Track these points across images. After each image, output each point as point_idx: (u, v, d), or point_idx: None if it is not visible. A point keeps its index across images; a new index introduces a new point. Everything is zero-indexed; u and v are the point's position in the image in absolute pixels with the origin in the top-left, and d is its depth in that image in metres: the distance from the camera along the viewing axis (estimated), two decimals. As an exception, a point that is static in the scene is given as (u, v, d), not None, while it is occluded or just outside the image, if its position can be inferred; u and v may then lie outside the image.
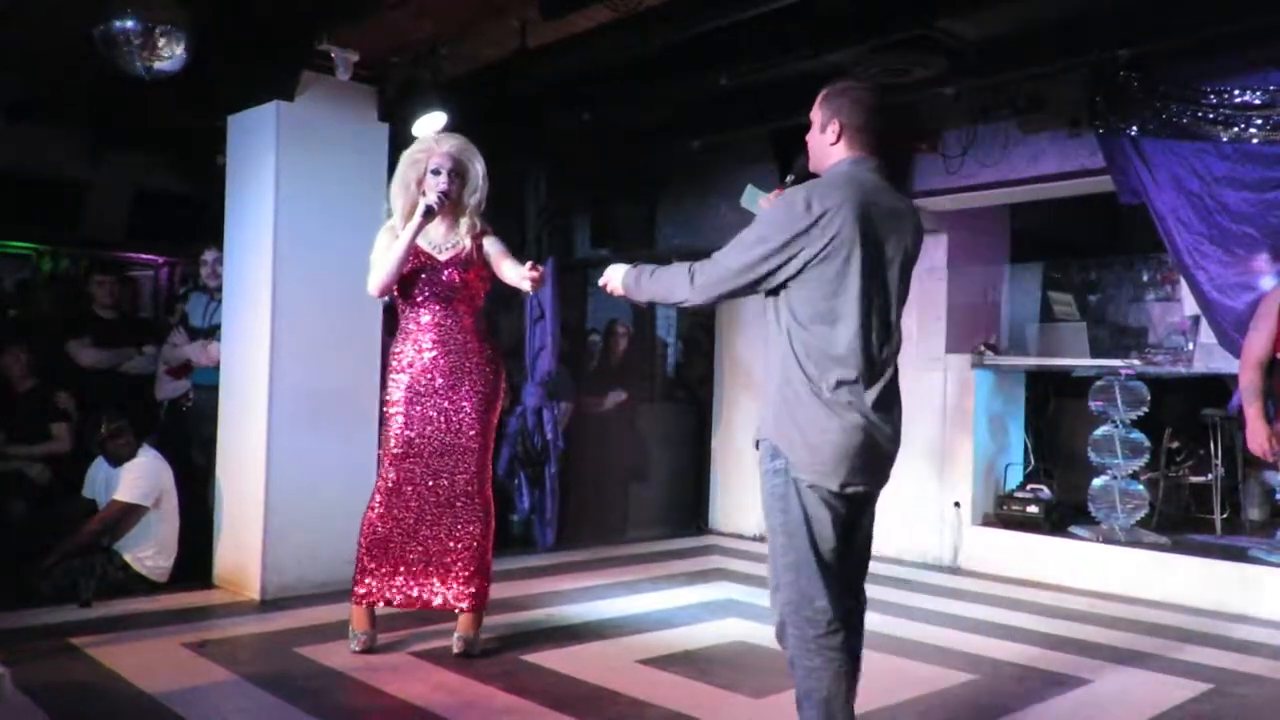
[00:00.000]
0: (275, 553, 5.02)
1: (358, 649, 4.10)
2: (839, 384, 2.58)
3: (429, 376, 4.05)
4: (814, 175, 2.81)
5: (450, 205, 4.04)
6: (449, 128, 5.07)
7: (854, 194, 2.61)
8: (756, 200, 3.01)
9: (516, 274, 3.96)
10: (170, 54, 4.40)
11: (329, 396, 5.18)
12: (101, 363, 6.03)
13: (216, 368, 5.44)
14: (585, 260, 8.61)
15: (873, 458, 2.65)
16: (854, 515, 2.71)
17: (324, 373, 5.16)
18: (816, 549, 2.63)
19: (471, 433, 4.05)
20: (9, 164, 6.63)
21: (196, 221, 6.44)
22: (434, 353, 4.05)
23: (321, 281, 5.16)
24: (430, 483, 4.05)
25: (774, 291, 2.66)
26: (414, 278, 4.06)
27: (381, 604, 4.14)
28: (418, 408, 4.05)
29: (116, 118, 6.52)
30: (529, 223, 6.54)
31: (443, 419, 4.04)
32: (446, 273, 4.04)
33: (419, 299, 4.08)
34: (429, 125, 5.15)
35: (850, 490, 2.63)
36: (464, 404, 4.04)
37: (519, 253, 6.57)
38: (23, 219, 7.07)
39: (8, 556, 4.82)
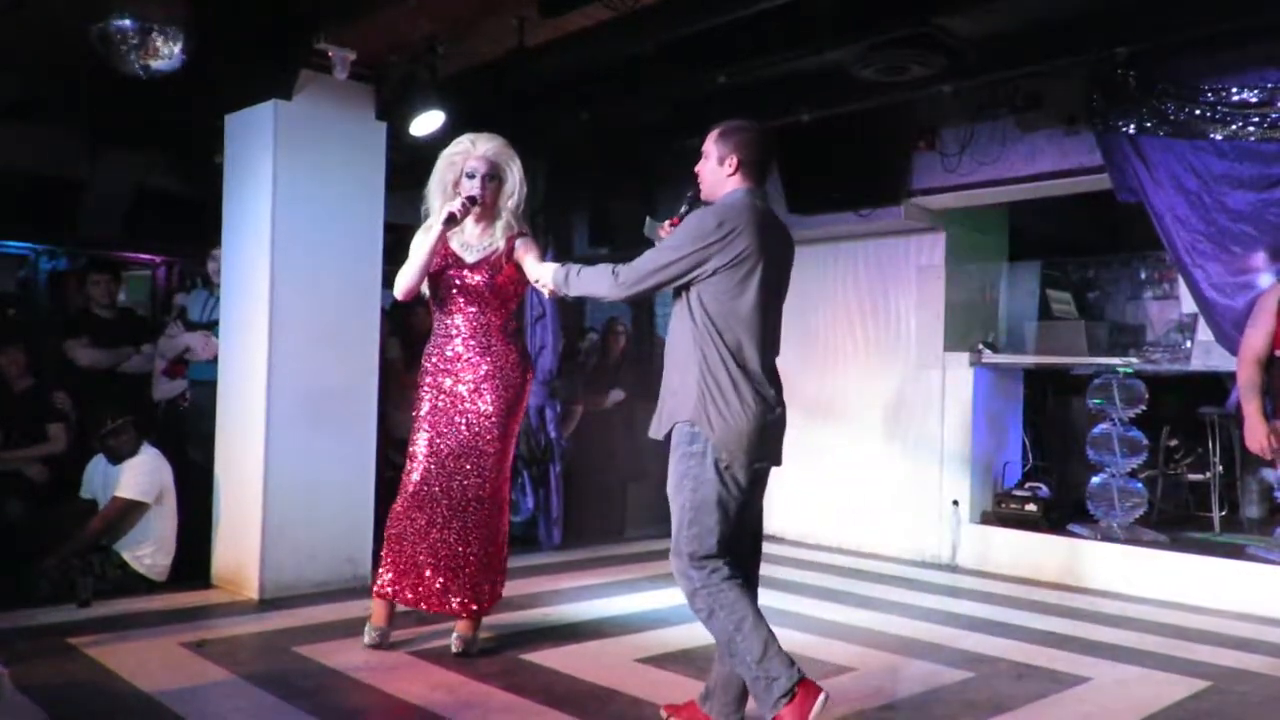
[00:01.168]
0: (274, 552, 5.02)
1: (367, 643, 4.13)
2: (750, 375, 3.05)
3: (451, 380, 4.04)
4: (705, 203, 3.24)
5: (485, 208, 4.00)
6: (447, 126, 5.09)
7: (754, 218, 3.08)
8: (656, 230, 3.41)
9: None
10: (167, 53, 4.40)
11: (327, 395, 5.18)
12: (100, 362, 6.02)
13: (213, 362, 5.45)
14: (584, 258, 8.61)
15: (777, 437, 3.15)
16: (754, 488, 3.14)
17: (322, 371, 5.16)
18: (722, 518, 3.04)
19: (490, 436, 4.02)
20: (7, 163, 6.63)
21: (195, 220, 6.44)
22: (457, 356, 4.04)
23: (320, 280, 5.16)
24: (446, 484, 4.03)
25: (687, 291, 3.11)
26: (444, 280, 4.05)
27: (395, 600, 4.14)
28: (441, 409, 4.04)
29: (115, 117, 6.52)
30: (528, 220, 6.54)
31: (464, 422, 4.02)
32: (476, 275, 4.01)
33: (449, 301, 4.07)
34: (427, 124, 5.16)
35: (758, 466, 3.08)
36: (487, 408, 4.01)
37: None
38: (21, 218, 7.07)
39: (6, 556, 4.82)
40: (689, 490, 3.06)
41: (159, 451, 5.11)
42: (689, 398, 3.06)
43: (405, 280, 3.99)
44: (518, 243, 4.05)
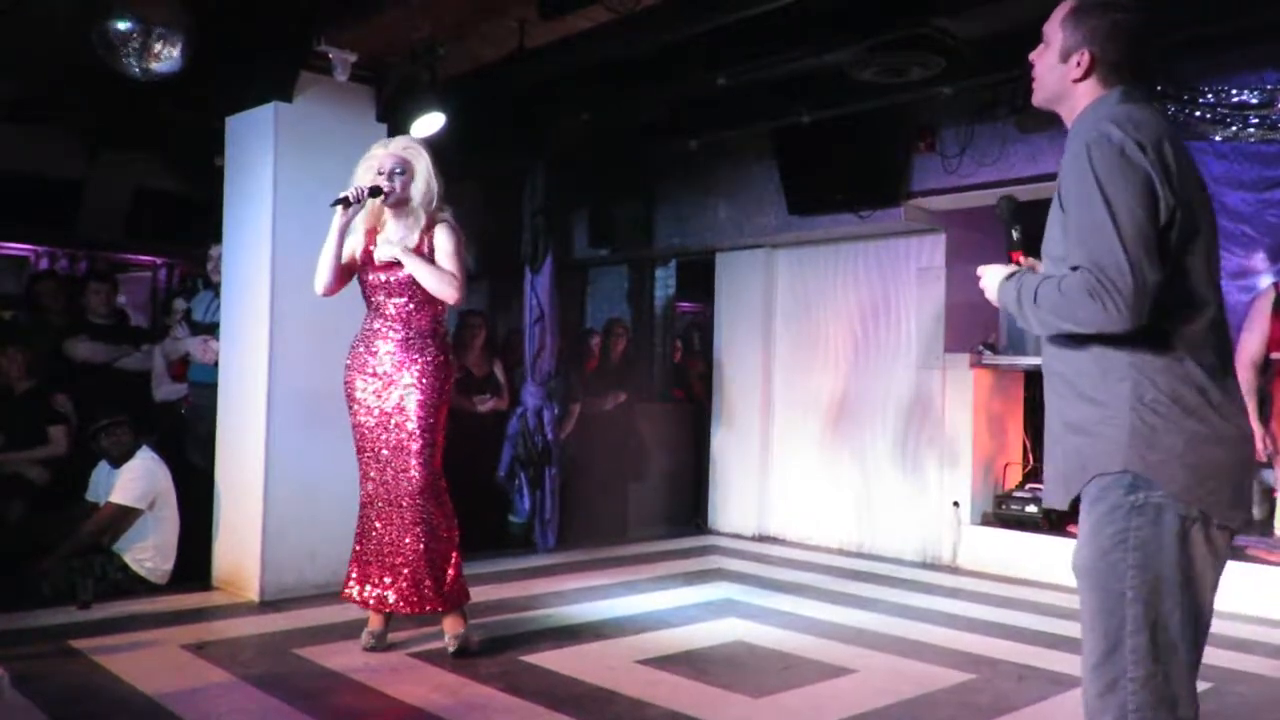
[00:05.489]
0: (274, 554, 5.02)
1: (363, 645, 4.15)
2: (1216, 381, 2.01)
3: (376, 373, 4.07)
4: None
5: (400, 203, 4.03)
6: (446, 128, 5.09)
7: (1166, 129, 2.05)
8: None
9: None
10: (167, 56, 4.41)
11: (327, 397, 5.14)
12: (98, 356, 5.99)
13: (214, 365, 5.45)
14: (583, 260, 8.61)
15: (1251, 478, 2.09)
16: (1221, 566, 2.04)
17: (323, 374, 5.13)
18: (1196, 621, 1.98)
19: (410, 431, 4.03)
20: (7, 164, 6.63)
21: (195, 222, 6.44)
22: (381, 350, 4.07)
23: (320, 282, 5.16)
24: (380, 478, 4.09)
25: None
26: (369, 278, 4.10)
27: (355, 602, 4.18)
28: (366, 404, 4.09)
29: (115, 118, 6.52)
30: (526, 222, 6.55)
31: (387, 417, 4.06)
32: (396, 270, 4.04)
33: (371, 296, 4.12)
34: (427, 126, 5.16)
35: (1238, 524, 2.03)
36: (407, 404, 4.03)
37: (516, 250, 6.63)
38: (21, 219, 7.07)
39: (7, 558, 4.82)
40: (1135, 569, 1.96)
41: (156, 455, 5.11)
42: (1111, 431, 2.00)
43: (319, 275, 4.04)
44: (436, 232, 4.06)
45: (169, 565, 5.11)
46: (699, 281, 8.56)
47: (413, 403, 4.03)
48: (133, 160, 7.32)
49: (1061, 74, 2.16)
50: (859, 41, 4.94)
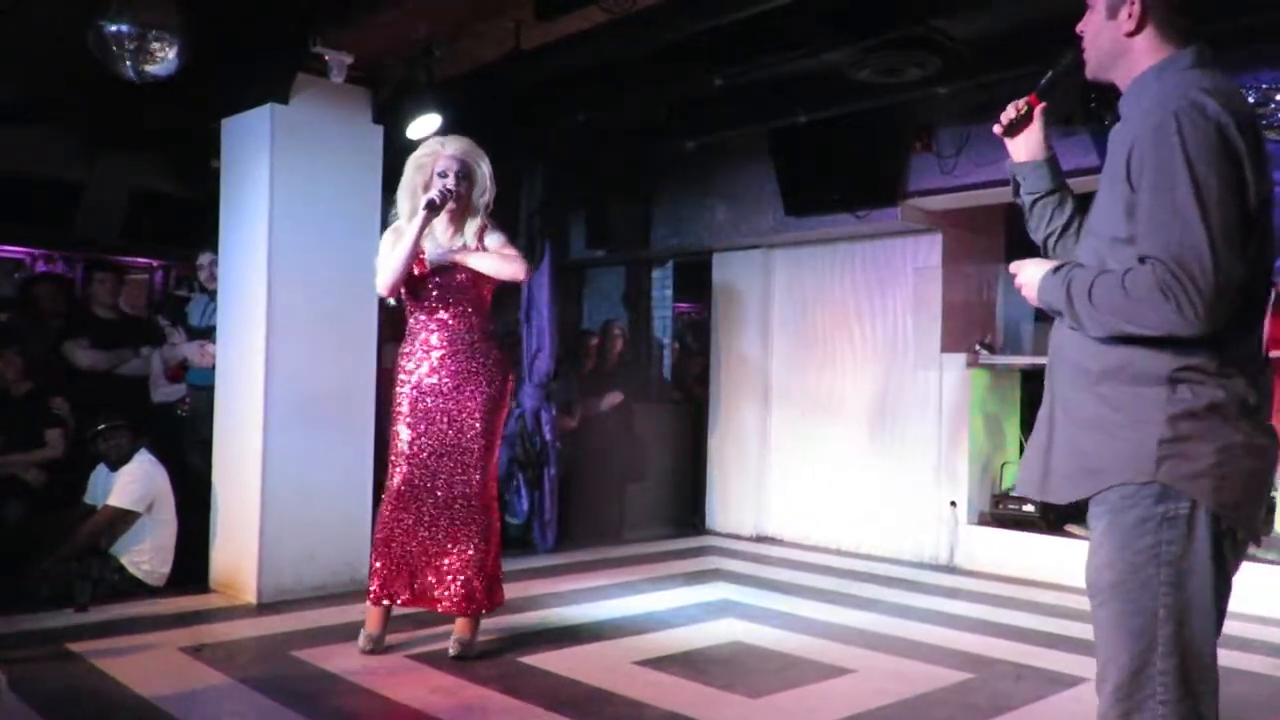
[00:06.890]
0: (272, 556, 5.01)
1: (361, 647, 4.13)
2: (1254, 385, 1.86)
3: (435, 378, 4.05)
4: (1076, 74, 2.18)
5: (458, 206, 4.04)
6: (443, 129, 5.08)
7: (1242, 104, 1.87)
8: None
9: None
10: (163, 57, 4.41)
11: (325, 399, 5.18)
12: (99, 364, 6.00)
13: (212, 368, 5.44)
14: (580, 261, 8.61)
15: (1272, 487, 1.95)
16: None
17: (320, 375, 5.16)
18: (1214, 638, 1.88)
19: (472, 433, 4.04)
20: (4, 165, 6.61)
21: (191, 224, 6.43)
22: (440, 354, 4.06)
23: (317, 284, 5.16)
24: (430, 484, 4.05)
25: (1119, 251, 1.86)
26: (421, 280, 4.07)
27: (387, 602, 4.15)
28: (422, 409, 4.06)
29: (112, 119, 6.51)
30: (523, 223, 6.55)
31: (446, 420, 4.04)
32: (454, 274, 4.04)
33: (425, 300, 4.09)
34: (423, 127, 5.15)
35: (1265, 536, 2.04)
36: (469, 405, 4.03)
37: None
38: (18, 220, 7.05)
39: (4, 560, 4.81)
40: (1167, 588, 1.84)
41: (154, 458, 5.11)
42: (1146, 438, 1.83)
43: (388, 277, 4.00)
44: (487, 238, 4.09)
45: (166, 568, 5.10)
46: (696, 282, 8.56)
47: (476, 403, 4.03)
48: (130, 162, 7.30)
49: (1113, 31, 2.01)
50: (856, 42, 4.94)
